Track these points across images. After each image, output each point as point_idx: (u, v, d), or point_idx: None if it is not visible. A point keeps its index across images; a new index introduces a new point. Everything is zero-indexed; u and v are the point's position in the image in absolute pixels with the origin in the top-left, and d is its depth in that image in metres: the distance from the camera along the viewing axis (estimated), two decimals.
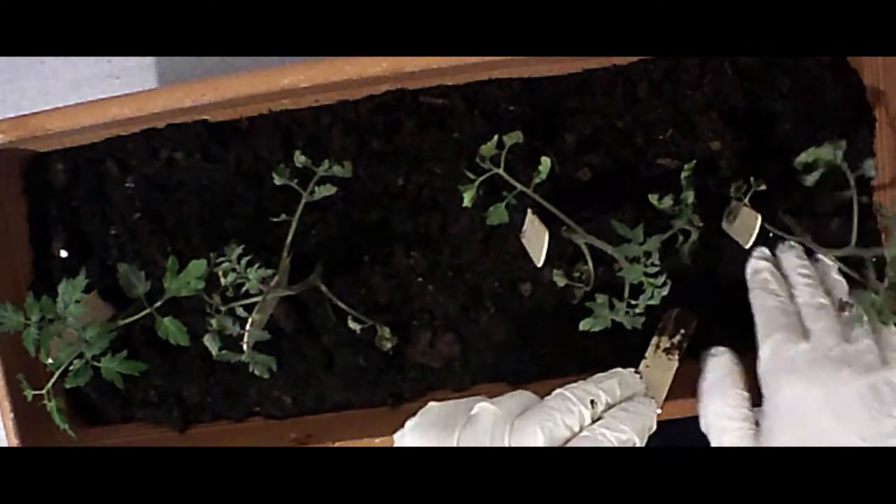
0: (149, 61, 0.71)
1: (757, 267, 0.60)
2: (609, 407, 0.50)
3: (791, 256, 0.60)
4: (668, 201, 0.54)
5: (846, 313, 0.57)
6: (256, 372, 0.57)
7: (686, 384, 0.62)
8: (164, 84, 0.71)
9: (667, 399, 0.58)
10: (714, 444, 0.56)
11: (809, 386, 0.53)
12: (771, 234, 0.60)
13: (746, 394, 0.57)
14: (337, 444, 0.60)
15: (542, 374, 0.63)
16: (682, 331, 0.60)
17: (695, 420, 0.58)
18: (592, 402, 0.49)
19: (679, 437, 0.79)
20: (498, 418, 0.48)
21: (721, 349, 0.59)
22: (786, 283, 0.59)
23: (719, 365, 0.58)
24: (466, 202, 0.55)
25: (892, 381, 0.52)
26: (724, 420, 0.56)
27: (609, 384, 0.51)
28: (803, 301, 0.57)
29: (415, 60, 0.54)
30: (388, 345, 0.61)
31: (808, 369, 0.53)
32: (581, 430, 0.48)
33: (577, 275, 0.59)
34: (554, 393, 0.50)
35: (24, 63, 0.71)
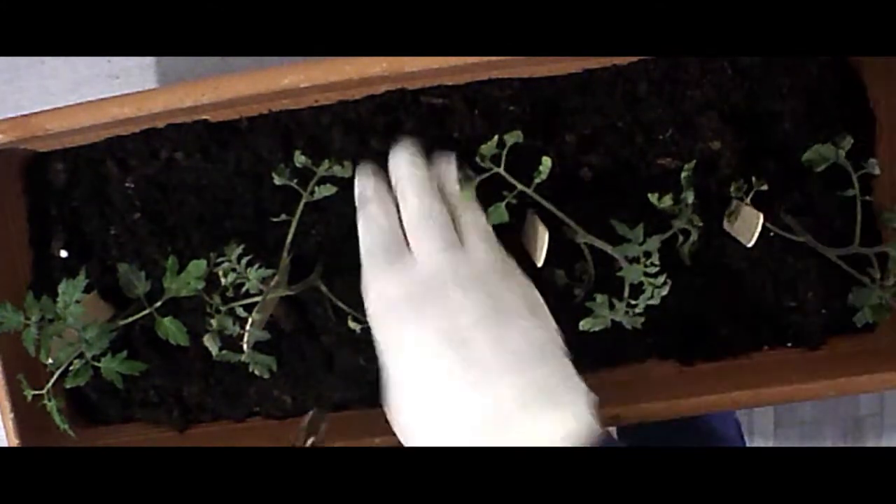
0: (149, 61, 0.71)
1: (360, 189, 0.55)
2: None
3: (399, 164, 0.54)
4: (667, 200, 0.54)
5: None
6: (256, 372, 0.57)
7: (686, 385, 0.63)
8: (164, 84, 0.71)
9: (670, 400, 0.58)
10: None
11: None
12: (772, 233, 0.60)
13: None
14: (337, 444, 0.60)
15: None
16: (312, 438, 0.55)
17: (695, 420, 0.58)
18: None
19: (679, 437, 0.79)
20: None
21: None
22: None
23: None
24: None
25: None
26: None
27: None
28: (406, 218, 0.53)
29: (415, 60, 0.54)
30: None
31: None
32: None
33: (577, 273, 0.59)
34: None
35: (24, 63, 0.71)
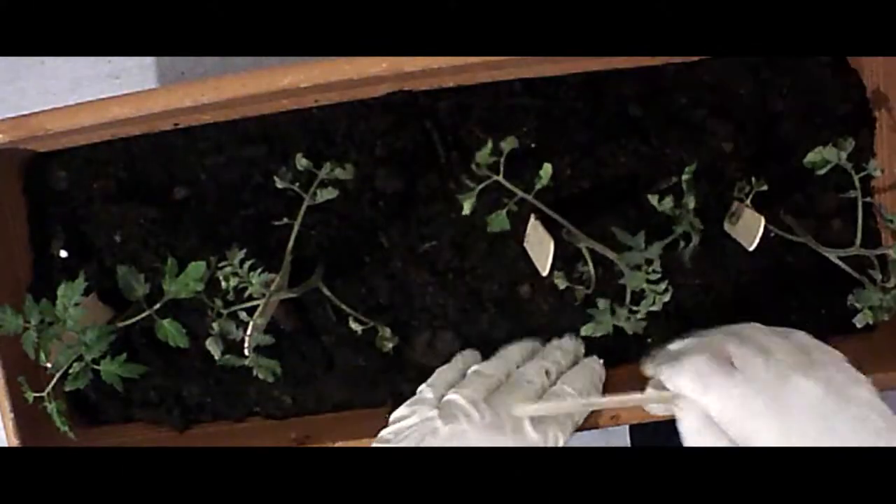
0: (149, 61, 0.71)
1: None
2: (559, 375, 0.58)
3: None
4: (668, 203, 0.54)
5: None
6: (261, 375, 0.56)
7: None
8: (164, 84, 0.71)
9: None
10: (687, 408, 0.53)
11: (781, 415, 0.50)
12: (773, 234, 0.60)
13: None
14: (337, 444, 0.60)
15: None
16: None
17: None
18: (547, 372, 0.57)
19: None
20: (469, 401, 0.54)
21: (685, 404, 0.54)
22: None
23: (693, 420, 0.53)
24: (466, 210, 0.55)
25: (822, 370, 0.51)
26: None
27: (553, 355, 0.59)
28: None
29: (415, 60, 0.54)
30: (389, 345, 0.61)
31: (765, 398, 0.50)
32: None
33: (577, 275, 0.59)
34: (515, 373, 0.58)
35: (24, 63, 0.71)
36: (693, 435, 0.52)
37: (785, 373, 0.51)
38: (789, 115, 0.62)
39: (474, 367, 0.58)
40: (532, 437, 0.54)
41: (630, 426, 0.90)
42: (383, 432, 0.56)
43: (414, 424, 0.55)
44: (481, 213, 0.57)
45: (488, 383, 0.57)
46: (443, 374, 0.59)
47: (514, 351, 0.60)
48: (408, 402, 0.58)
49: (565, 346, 0.61)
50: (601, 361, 0.60)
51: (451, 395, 0.55)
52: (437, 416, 0.54)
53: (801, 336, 0.54)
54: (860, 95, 0.63)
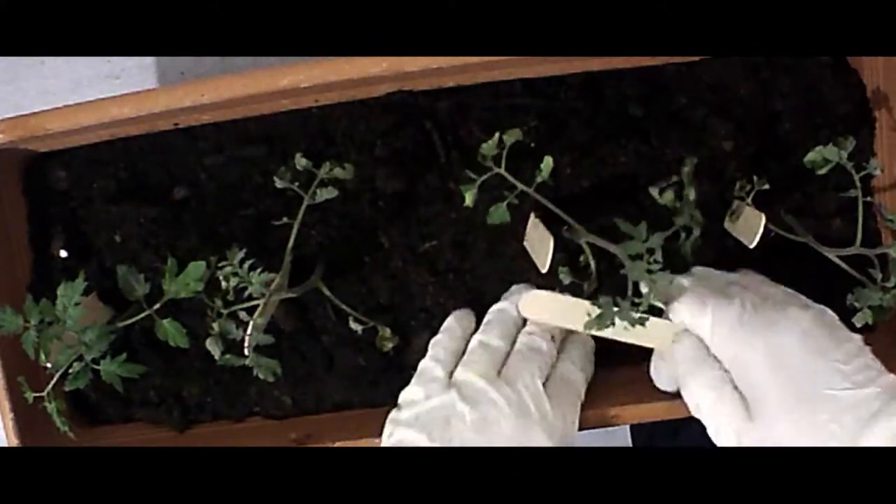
0: (149, 61, 0.71)
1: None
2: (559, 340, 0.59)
3: None
4: (669, 195, 0.54)
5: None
6: (261, 375, 0.56)
7: None
8: (164, 84, 0.71)
9: (670, 400, 0.58)
10: (709, 417, 0.54)
11: (769, 332, 0.52)
12: (773, 234, 0.60)
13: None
14: (337, 444, 0.60)
15: None
16: None
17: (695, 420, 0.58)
18: (552, 337, 0.58)
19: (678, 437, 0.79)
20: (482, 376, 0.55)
21: (682, 335, 0.56)
22: None
23: (688, 348, 0.56)
24: (468, 202, 0.55)
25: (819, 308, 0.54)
26: (713, 391, 0.54)
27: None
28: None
29: (415, 60, 0.54)
30: (389, 344, 0.61)
31: (757, 319, 0.53)
32: (554, 363, 0.58)
33: (581, 265, 0.59)
34: (522, 338, 0.58)
35: (24, 63, 0.71)
36: (685, 362, 0.55)
37: (781, 304, 0.53)
38: (789, 115, 0.62)
39: (478, 338, 0.58)
40: (551, 419, 0.55)
41: (630, 426, 0.90)
42: (398, 415, 0.56)
43: (433, 407, 0.54)
44: (482, 209, 0.57)
45: (497, 355, 0.57)
46: (444, 345, 0.58)
47: (509, 311, 0.59)
48: (414, 380, 0.57)
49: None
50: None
51: (465, 374, 0.55)
52: (458, 398, 0.54)
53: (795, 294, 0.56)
54: (860, 95, 0.63)
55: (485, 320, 0.59)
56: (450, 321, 0.60)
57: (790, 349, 0.51)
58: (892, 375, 0.51)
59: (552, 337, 0.58)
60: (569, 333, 0.60)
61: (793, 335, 0.52)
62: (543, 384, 0.56)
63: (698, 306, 0.54)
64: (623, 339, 0.56)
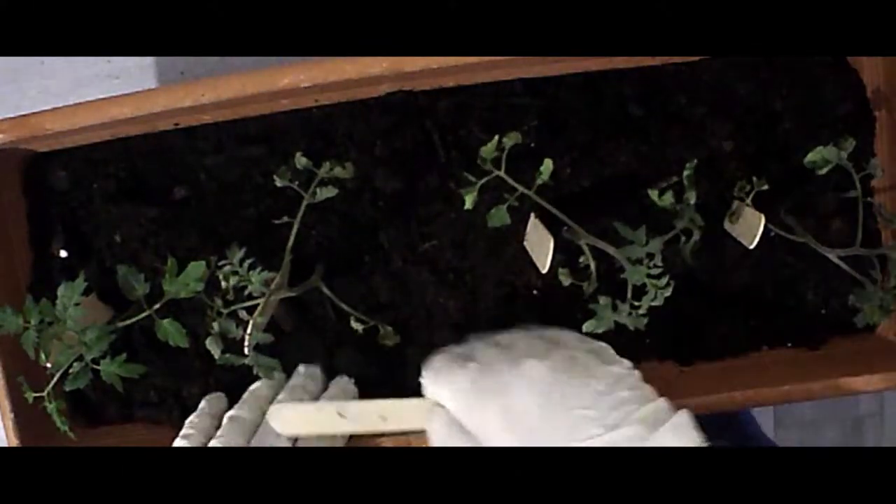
0: (149, 61, 0.71)
1: None
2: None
3: None
4: (668, 198, 0.54)
5: None
6: (261, 374, 0.56)
7: (686, 385, 0.62)
8: (164, 84, 0.71)
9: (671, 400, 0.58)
10: None
11: (503, 393, 0.50)
12: (773, 234, 0.60)
13: None
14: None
15: None
16: None
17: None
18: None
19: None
20: None
21: (433, 411, 0.53)
22: None
23: (438, 426, 0.53)
24: (468, 205, 0.55)
25: (568, 352, 0.51)
26: None
27: (302, 384, 0.59)
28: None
29: (415, 60, 0.54)
30: (390, 343, 0.61)
31: (491, 380, 0.50)
32: None
33: (581, 266, 0.59)
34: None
35: (24, 63, 0.71)
36: (437, 441, 0.52)
37: (518, 359, 0.51)
38: (789, 115, 0.62)
39: (229, 413, 0.57)
40: None
41: None
42: None
43: None
44: (482, 210, 0.57)
45: (244, 428, 0.56)
46: (194, 424, 0.58)
47: (262, 388, 0.59)
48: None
49: (312, 373, 0.60)
50: (353, 380, 0.60)
51: (213, 444, 0.55)
52: None
53: (569, 333, 0.54)
54: (860, 95, 0.63)
55: (241, 398, 0.59)
56: (202, 403, 0.60)
57: (525, 408, 0.49)
58: (658, 401, 0.49)
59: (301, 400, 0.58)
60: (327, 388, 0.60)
61: (525, 393, 0.49)
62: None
63: (433, 378, 0.53)
64: (380, 430, 0.55)
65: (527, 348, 0.52)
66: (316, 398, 0.59)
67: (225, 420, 0.57)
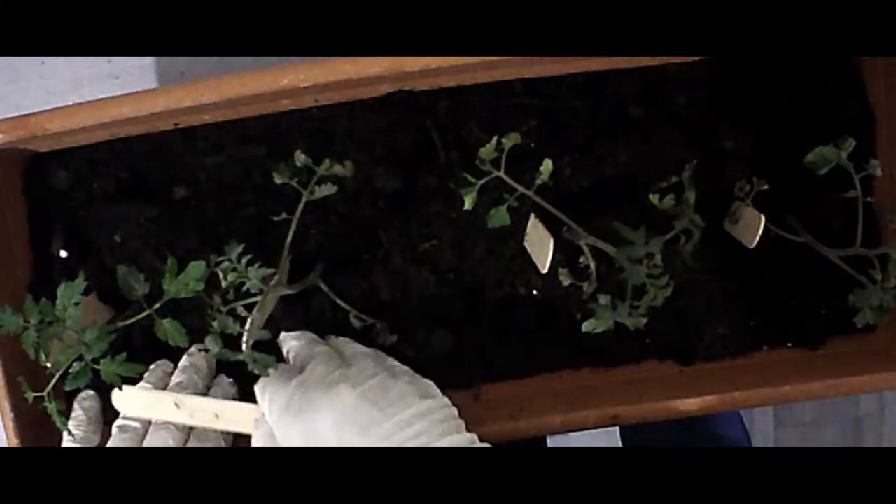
0: (149, 61, 0.71)
1: None
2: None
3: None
4: (668, 201, 0.54)
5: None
6: (257, 371, 0.56)
7: (686, 385, 0.62)
8: (164, 84, 0.71)
9: (669, 400, 0.58)
10: None
11: (308, 416, 0.51)
12: (773, 234, 0.60)
13: None
14: None
15: (537, 371, 0.64)
16: None
17: (700, 425, 0.58)
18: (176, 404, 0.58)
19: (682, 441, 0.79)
20: None
21: (260, 421, 0.56)
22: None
23: (259, 435, 0.56)
24: (467, 205, 0.55)
25: (390, 381, 0.52)
26: None
27: (188, 381, 0.59)
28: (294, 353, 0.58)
29: (415, 60, 0.54)
30: (386, 342, 0.61)
31: (303, 401, 0.52)
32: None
33: (581, 266, 0.59)
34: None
35: (24, 63, 0.71)
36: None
37: (334, 382, 0.52)
38: (789, 115, 0.62)
39: (116, 423, 0.59)
40: None
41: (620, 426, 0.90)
42: None
43: None
44: (482, 210, 0.57)
45: (134, 435, 0.58)
46: (74, 431, 0.59)
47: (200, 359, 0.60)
48: None
49: (197, 361, 0.60)
50: (231, 380, 0.61)
51: None
52: None
53: (403, 367, 0.55)
54: (860, 95, 0.63)
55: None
56: (75, 406, 0.61)
57: (326, 433, 0.50)
58: (463, 434, 0.50)
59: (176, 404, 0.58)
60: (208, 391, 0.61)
61: (329, 417, 0.50)
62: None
63: (261, 390, 0.55)
64: (216, 427, 0.58)
65: (355, 372, 0.53)
66: (206, 384, 0.60)
67: (114, 430, 0.59)
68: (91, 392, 0.62)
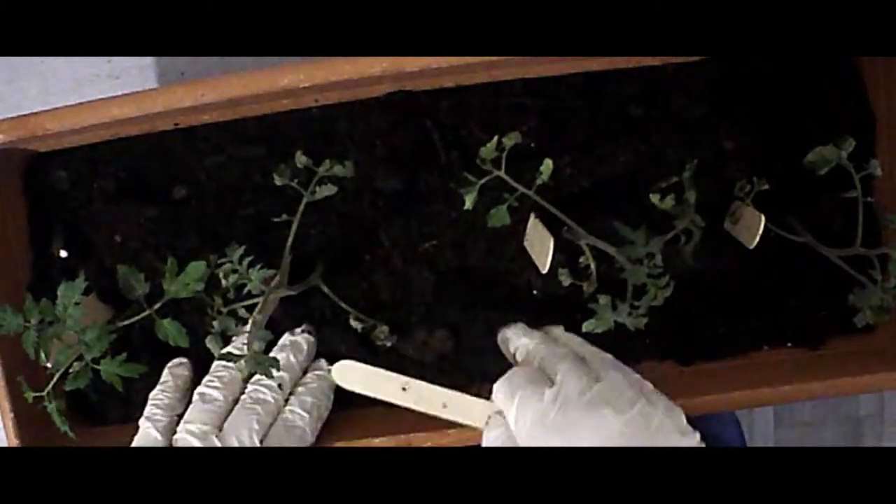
0: (149, 61, 0.71)
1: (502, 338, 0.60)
2: (296, 383, 0.59)
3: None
4: (669, 202, 0.54)
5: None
6: (258, 372, 0.56)
7: (686, 385, 0.62)
8: (164, 84, 0.71)
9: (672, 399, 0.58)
10: None
11: (570, 436, 0.49)
12: (773, 234, 0.60)
13: None
14: (336, 445, 0.60)
15: None
16: None
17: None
18: (280, 385, 0.58)
19: None
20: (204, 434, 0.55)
21: (494, 419, 0.54)
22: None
23: (494, 436, 0.54)
24: (468, 205, 0.55)
25: (650, 409, 0.50)
26: None
27: (286, 361, 0.59)
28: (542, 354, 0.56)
29: (415, 60, 0.54)
30: (386, 343, 0.61)
31: (562, 419, 0.50)
32: (280, 411, 0.58)
33: (581, 266, 0.59)
34: (249, 388, 0.58)
35: (24, 63, 0.71)
36: (489, 446, 0.53)
37: (598, 403, 0.50)
38: (789, 115, 0.62)
39: (199, 391, 0.58)
40: None
41: None
42: None
43: None
44: (482, 210, 0.57)
45: (217, 408, 0.57)
46: (160, 401, 0.58)
47: (233, 368, 0.59)
48: (136, 441, 0.57)
49: (298, 344, 0.60)
50: (329, 368, 0.60)
51: (182, 433, 0.56)
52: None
53: (650, 385, 0.53)
54: (860, 95, 0.63)
55: (211, 369, 0.59)
56: (165, 373, 0.61)
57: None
58: None
59: (280, 385, 0.58)
60: (305, 373, 0.60)
61: (594, 441, 0.49)
62: (268, 432, 0.56)
63: (507, 394, 0.53)
64: (441, 416, 0.57)
65: (613, 393, 0.51)
66: (302, 366, 0.60)
67: (195, 397, 0.58)
68: (184, 360, 0.61)
